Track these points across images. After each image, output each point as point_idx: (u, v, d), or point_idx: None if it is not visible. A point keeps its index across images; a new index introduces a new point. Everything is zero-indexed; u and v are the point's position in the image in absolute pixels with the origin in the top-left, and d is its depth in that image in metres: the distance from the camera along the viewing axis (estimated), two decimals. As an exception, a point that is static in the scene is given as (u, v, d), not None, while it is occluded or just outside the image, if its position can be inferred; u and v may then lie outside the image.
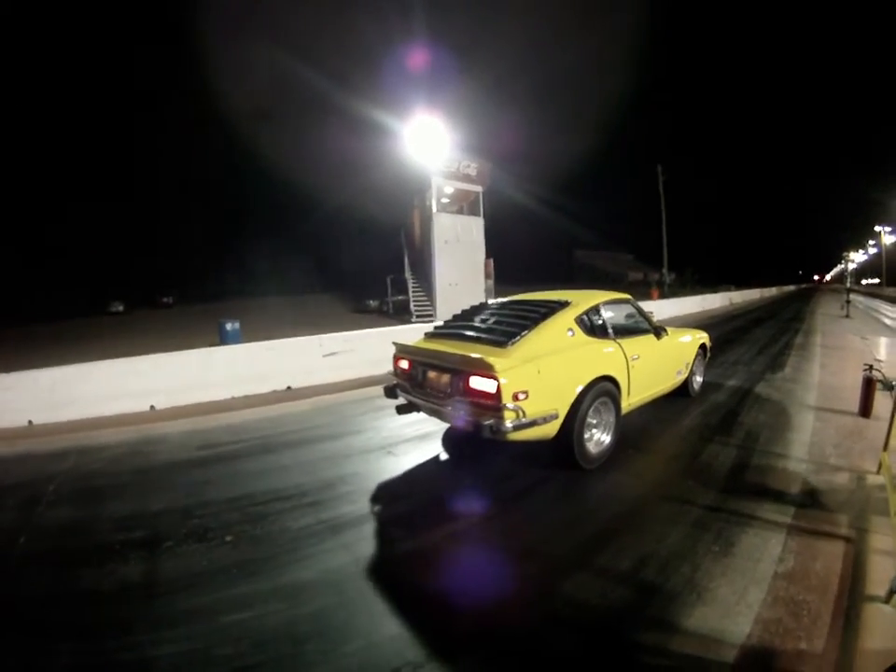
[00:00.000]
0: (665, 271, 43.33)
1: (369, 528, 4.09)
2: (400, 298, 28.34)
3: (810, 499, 4.34)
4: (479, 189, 27.49)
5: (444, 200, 27.80)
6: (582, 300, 5.67)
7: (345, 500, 4.58)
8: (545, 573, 3.47)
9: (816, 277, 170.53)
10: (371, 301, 33.85)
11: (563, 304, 5.49)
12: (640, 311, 6.59)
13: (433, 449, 5.81)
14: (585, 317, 5.42)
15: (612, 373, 5.16)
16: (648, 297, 29.74)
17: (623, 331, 5.91)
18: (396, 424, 6.62)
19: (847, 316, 22.65)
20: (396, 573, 3.52)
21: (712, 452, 5.52)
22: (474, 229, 27.06)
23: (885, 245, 71.60)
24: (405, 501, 4.57)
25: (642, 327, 6.42)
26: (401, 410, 5.63)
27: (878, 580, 3.21)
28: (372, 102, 29.06)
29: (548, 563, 3.58)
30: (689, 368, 7.37)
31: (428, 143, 24.73)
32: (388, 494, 4.76)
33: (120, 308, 51.85)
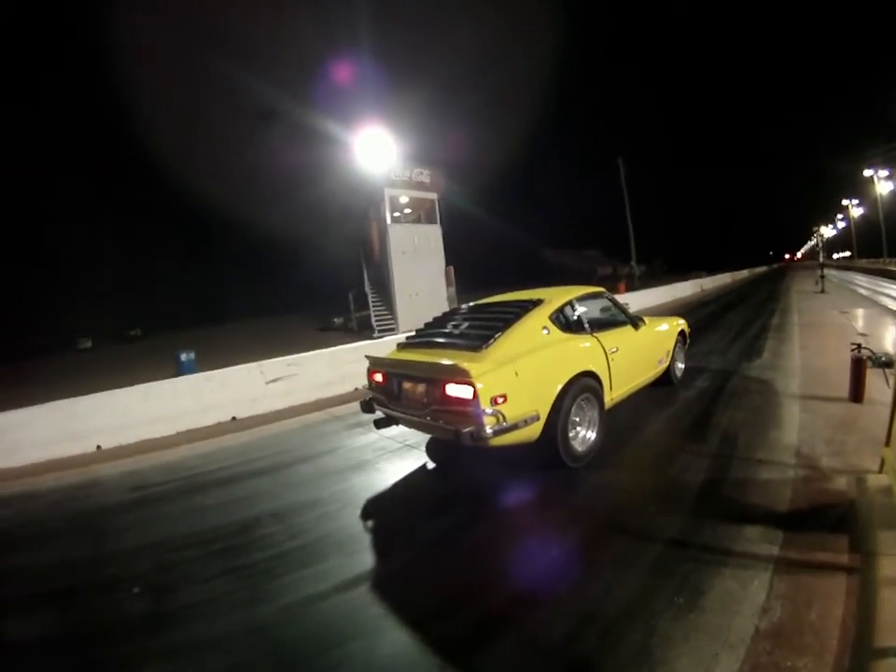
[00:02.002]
0: (633, 263, 43.42)
1: (277, 578, 3.69)
2: (365, 313, 27.50)
3: (802, 519, 3.62)
4: (434, 196, 27.07)
5: (405, 211, 27.85)
6: (555, 296, 5.62)
7: (258, 546, 4.20)
8: (450, 644, 2.79)
9: (787, 256, 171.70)
10: (336, 319, 33.41)
11: (536, 303, 5.44)
12: (616, 303, 6.50)
13: (370, 482, 5.34)
14: (560, 314, 5.39)
15: (592, 368, 5.10)
16: (615, 291, 28.61)
17: (599, 325, 5.83)
18: (334, 454, 6.40)
19: (823, 292, 22.12)
20: (304, 628, 3.09)
21: (681, 464, 4.84)
22: (432, 237, 26.65)
23: (853, 217, 71.88)
24: (324, 547, 4.08)
25: (619, 319, 6.37)
26: (380, 424, 5.50)
27: (891, 624, 2.50)
28: (322, 115, 28.25)
29: (459, 627, 2.95)
30: (670, 356, 7.26)
31: (379, 154, 24.47)
32: (309, 536, 4.29)
33: (89, 344, 52.60)
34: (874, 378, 6.12)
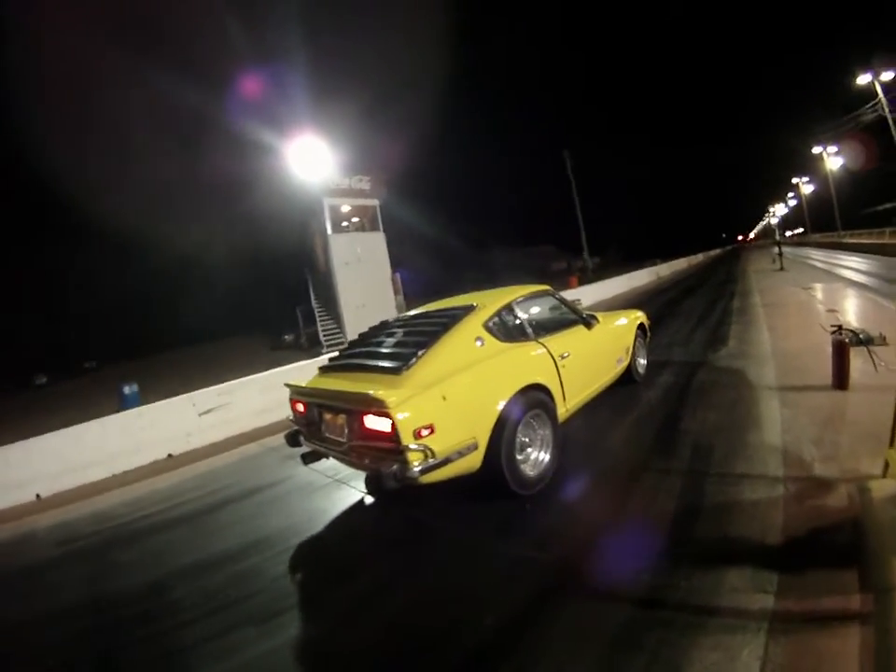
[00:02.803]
0: (585, 255, 43.49)
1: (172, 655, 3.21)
2: (314, 328, 26.29)
3: (798, 551, 2.91)
4: (375, 202, 26.29)
5: (351, 219, 27.20)
6: (491, 301, 5.11)
7: (160, 615, 3.68)
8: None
9: (740, 237, 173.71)
10: (287, 336, 32.30)
11: (467, 310, 4.89)
12: (564, 301, 6.04)
13: (298, 527, 4.75)
14: (496, 320, 4.84)
15: (540, 380, 4.57)
16: (567, 286, 27.95)
17: (546, 328, 5.36)
18: (262, 493, 5.87)
19: (782, 269, 21.83)
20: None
21: (647, 488, 4.08)
22: (376, 245, 25.86)
23: (804, 194, 73.13)
24: (235, 614, 3.50)
25: (569, 319, 5.86)
26: (307, 459, 4.96)
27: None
28: (253, 124, 27.14)
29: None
30: (630, 352, 6.74)
31: (315, 163, 23.70)
32: (219, 601, 3.71)
33: (44, 380, 52.68)
34: (854, 359, 5.50)
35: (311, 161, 23.73)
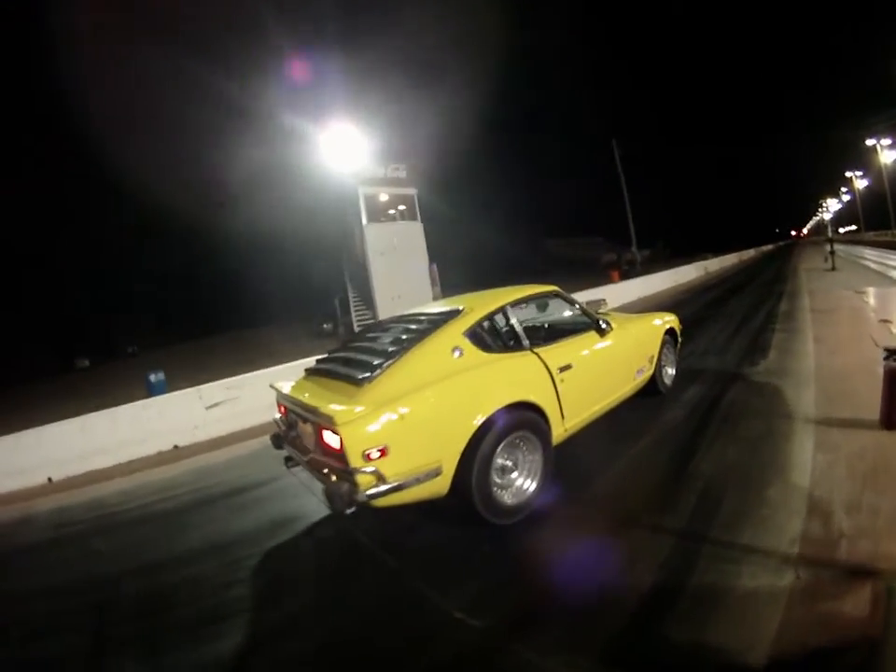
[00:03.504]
0: (634, 249, 42.59)
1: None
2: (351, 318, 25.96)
3: None
4: (412, 191, 25.70)
5: (387, 210, 26.33)
6: (480, 304, 4.59)
7: (118, 608, 3.79)
8: None
9: (793, 233, 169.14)
10: (326, 325, 31.67)
11: (451, 315, 4.40)
12: (574, 304, 5.44)
13: (279, 532, 4.61)
14: (483, 327, 4.44)
15: (529, 397, 4.08)
16: (609, 280, 27.05)
17: (548, 335, 5.24)
18: (254, 492, 5.78)
19: (833, 269, 20.49)
20: None
21: (625, 553, 3.38)
22: (413, 235, 25.28)
23: (858, 189, 70.28)
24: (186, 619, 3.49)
25: (579, 324, 5.37)
26: (288, 463, 4.62)
27: None
28: (290, 113, 26.91)
29: None
30: (654, 361, 6.08)
31: (349, 152, 23.29)
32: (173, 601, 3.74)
33: (87, 363, 54.49)
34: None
35: (345, 149, 23.33)
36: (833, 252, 22.43)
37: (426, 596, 3.21)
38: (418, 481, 3.43)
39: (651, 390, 6.09)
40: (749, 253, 58.87)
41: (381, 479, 3.27)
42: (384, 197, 25.50)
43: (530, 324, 5.60)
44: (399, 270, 24.16)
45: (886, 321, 8.60)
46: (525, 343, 4.48)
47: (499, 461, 3.88)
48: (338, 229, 27.47)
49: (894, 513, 3.25)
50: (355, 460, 3.24)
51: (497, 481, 3.85)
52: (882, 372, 4.54)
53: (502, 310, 4.60)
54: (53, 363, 52.73)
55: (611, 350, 5.26)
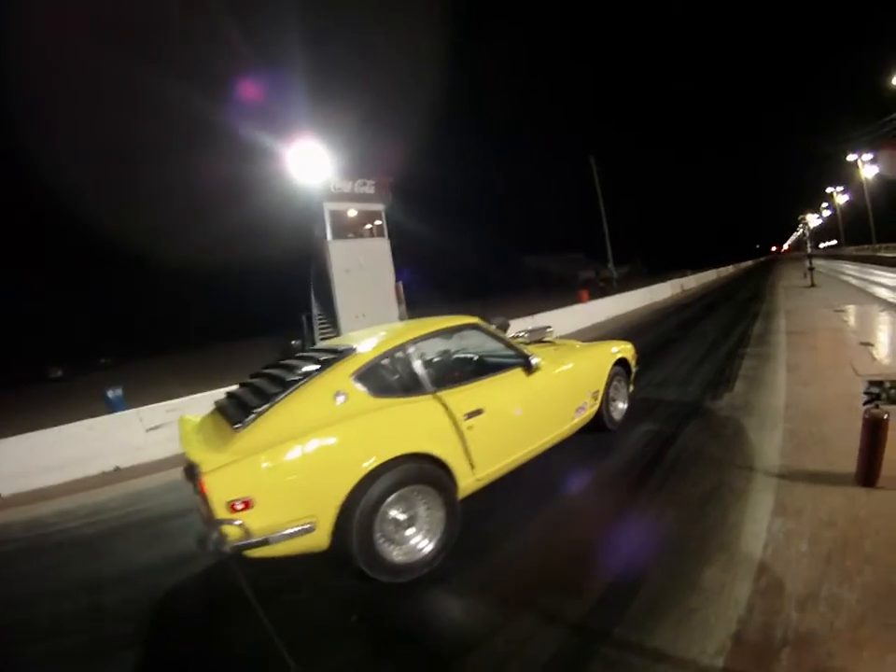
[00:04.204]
0: (610, 265, 42.15)
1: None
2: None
3: None
4: (380, 207, 25.11)
5: (357, 225, 25.92)
6: (377, 342, 4.23)
7: None
8: None
9: (773, 248, 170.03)
10: (294, 342, 30.91)
11: (341, 355, 4.01)
12: (498, 337, 4.96)
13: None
14: (375, 369, 4.01)
15: (426, 448, 3.69)
16: (577, 300, 26.19)
17: (459, 376, 4.71)
18: (175, 521, 5.55)
19: (813, 286, 20.00)
20: None
21: (502, 649, 2.78)
22: (380, 252, 24.69)
23: (839, 205, 70.60)
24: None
25: (502, 361, 4.94)
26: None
27: None
28: (253, 128, 26.47)
29: None
30: (600, 397, 5.62)
31: (314, 166, 22.84)
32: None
33: (59, 374, 54.21)
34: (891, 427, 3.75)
35: (310, 164, 22.87)
36: (812, 268, 21.96)
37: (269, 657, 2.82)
38: (289, 536, 3.18)
39: (596, 427, 5.64)
40: (728, 270, 58.87)
41: (247, 532, 3.03)
42: (350, 213, 24.95)
43: (449, 361, 5.37)
44: (363, 288, 23.57)
45: (867, 344, 7.88)
46: (427, 385, 4.05)
47: (393, 513, 3.59)
48: (305, 244, 27.02)
49: (859, 610, 2.50)
50: (219, 510, 3.03)
51: (389, 535, 3.56)
52: (861, 413, 3.77)
53: (401, 349, 4.20)
54: (28, 372, 53.06)
55: (540, 388, 4.79)
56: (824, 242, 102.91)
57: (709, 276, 44.61)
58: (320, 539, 3.34)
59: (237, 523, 3.03)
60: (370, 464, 3.44)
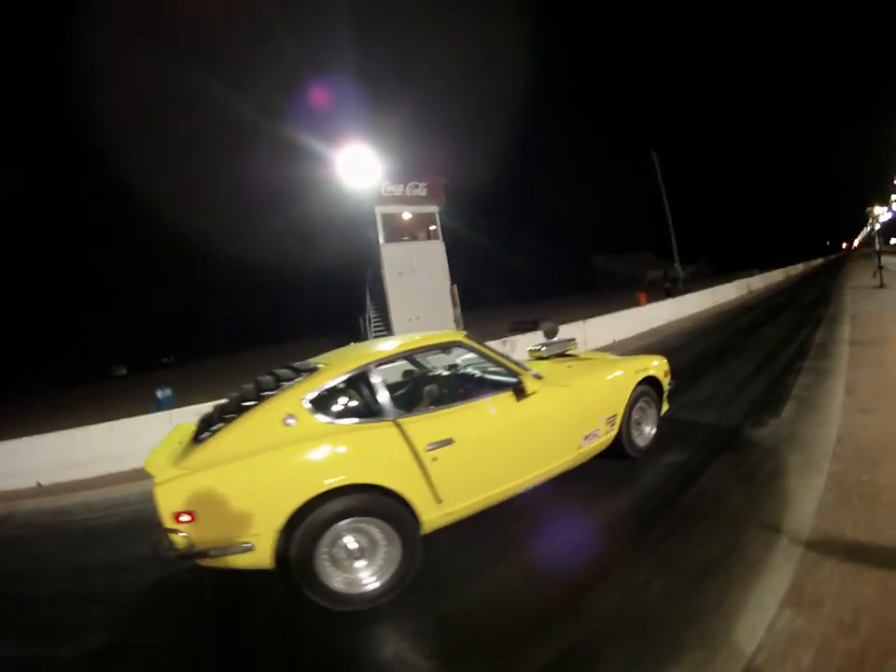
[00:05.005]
0: (676, 265, 40.78)
1: None
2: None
3: None
4: (433, 209, 25.08)
5: (411, 228, 25.84)
6: (339, 363, 4.08)
7: None
8: None
9: (844, 245, 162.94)
10: (354, 343, 30.87)
11: (299, 375, 3.97)
12: (490, 356, 4.56)
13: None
14: (329, 392, 3.86)
15: (376, 479, 3.53)
16: (635, 303, 25.15)
17: (443, 397, 4.46)
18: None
19: (882, 286, 18.73)
20: None
21: None
22: (434, 255, 24.69)
23: (908, 198, 65.04)
24: None
25: (495, 381, 4.65)
26: None
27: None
28: (306, 134, 26.56)
29: None
30: (617, 423, 5.07)
31: (364, 171, 23.00)
32: None
33: (124, 371, 56.28)
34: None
35: (361, 168, 22.98)
36: (881, 266, 20.63)
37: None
38: (229, 552, 3.26)
39: (615, 454, 5.16)
40: (798, 268, 56.16)
41: (191, 543, 3.18)
42: (405, 216, 24.98)
43: (431, 382, 4.96)
44: (417, 290, 23.59)
45: None
46: (387, 411, 3.83)
47: (345, 540, 3.50)
48: (358, 247, 26.94)
49: None
50: (166, 520, 3.19)
51: (336, 561, 3.49)
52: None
53: (364, 370, 3.98)
54: (96, 369, 54.85)
55: (534, 415, 4.36)
56: (895, 237, 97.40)
57: (776, 276, 42.58)
58: (261, 558, 3.35)
59: (182, 534, 3.17)
60: (309, 493, 3.37)
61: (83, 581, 4.65)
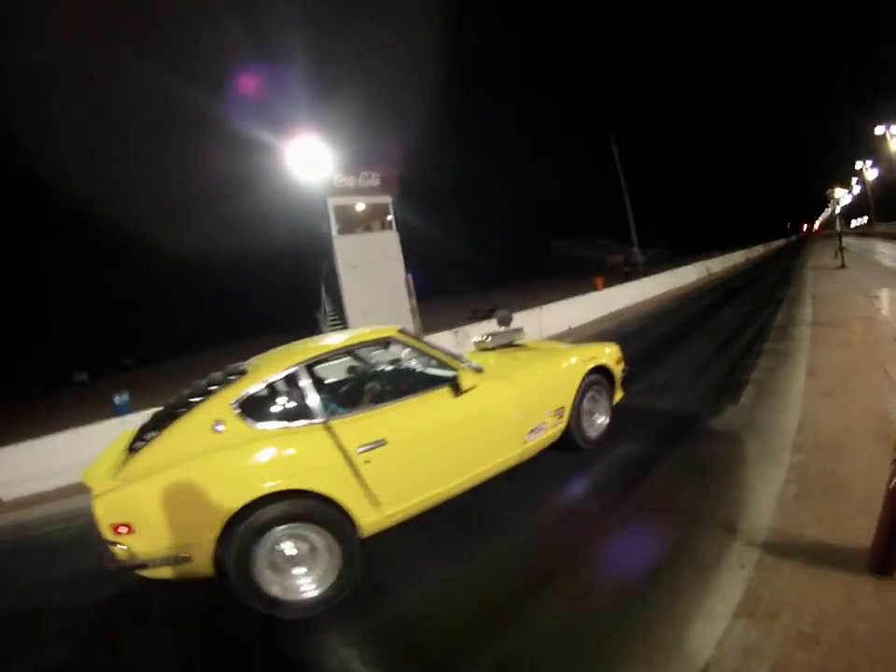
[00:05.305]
0: (635, 249, 40.88)
1: None
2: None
3: None
4: (387, 199, 24.54)
5: (363, 219, 25.69)
6: (267, 365, 3.92)
7: None
8: None
9: (805, 227, 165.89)
10: (309, 339, 30.55)
11: (228, 379, 3.84)
12: (425, 351, 4.43)
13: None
14: (259, 395, 3.71)
15: (306, 485, 3.40)
16: (592, 287, 24.94)
17: (366, 398, 4.09)
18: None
19: (843, 266, 18.60)
20: None
21: None
22: (388, 245, 24.22)
23: (868, 181, 66.74)
24: None
25: (432, 377, 4.44)
26: None
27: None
28: (254, 125, 25.91)
29: None
30: (566, 415, 4.91)
31: (315, 162, 22.44)
32: None
33: (84, 377, 55.83)
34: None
35: (311, 159, 22.43)
36: (842, 248, 20.53)
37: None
38: (167, 562, 3.22)
39: (567, 445, 5.00)
40: (759, 250, 56.83)
41: (131, 554, 3.17)
42: (359, 207, 24.47)
43: (365, 381, 4.63)
44: (372, 283, 23.13)
45: None
46: (318, 412, 3.68)
47: (283, 546, 3.37)
48: (310, 241, 26.57)
49: None
50: (105, 531, 3.18)
51: (276, 568, 3.37)
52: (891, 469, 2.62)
53: (291, 371, 3.80)
54: (55, 375, 54.78)
55: (472, 411, 4.19)
56: (855, 219, 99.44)
57: (738, 258, 42.92)
58: (201, 567, 3.28)
59: (121, 545, 3.14)
60: (239, 501, 3.24)
61: (40, 597, 4.52)
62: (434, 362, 4.48)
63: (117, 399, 14.28)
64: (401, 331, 4.42)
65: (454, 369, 4.27)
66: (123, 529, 3.16)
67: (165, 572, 3.26)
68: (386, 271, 23.75)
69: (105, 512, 3.18)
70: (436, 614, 3.16)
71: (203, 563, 3.28)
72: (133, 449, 3.58)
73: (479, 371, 4.41)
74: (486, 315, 17.77)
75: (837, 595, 2.53)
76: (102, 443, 8.35)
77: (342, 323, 23.70)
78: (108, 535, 3.17)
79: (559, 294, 19.89)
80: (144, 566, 3.22)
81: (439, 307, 26.31)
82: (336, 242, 22.70)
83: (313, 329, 27.21)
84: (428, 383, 4.30)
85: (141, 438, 3.68)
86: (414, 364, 4.85)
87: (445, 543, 3.95)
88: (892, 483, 2.54)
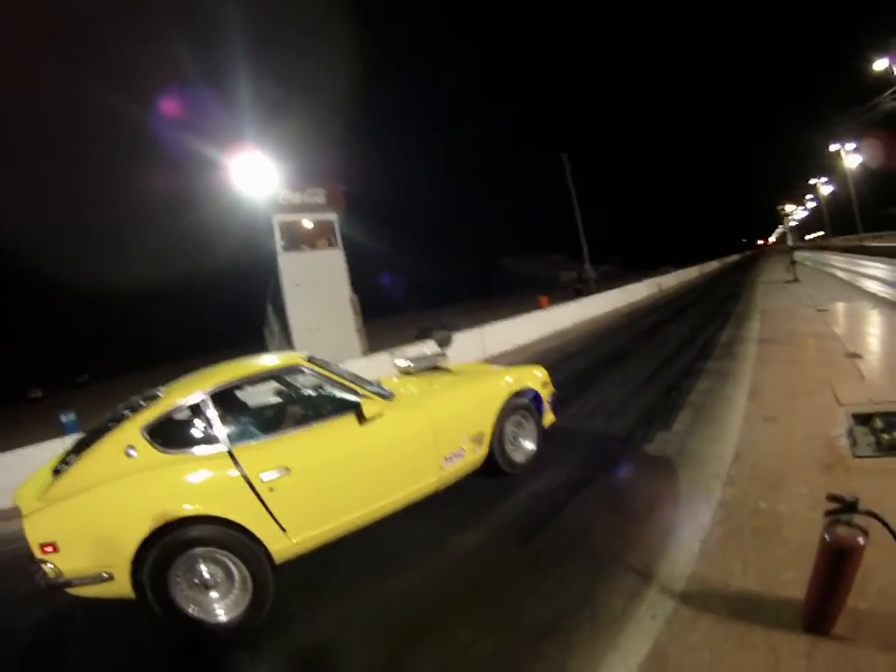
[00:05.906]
0: (587, 266, 40.92)
1: None
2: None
3: None
4: (332, 217, 24.13)
5: (310, 237, 24.85)
6: (176, 391, 4.01)
7: None
8: None
9: (760, 242, 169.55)
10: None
11: (141, 404, 3.95)
12: (332, 378, 4.36)
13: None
14: (168, 421, 3.79)
15: (212, 511, 3.48)
16: (538, 306, 24.72)
17: (268, 425, 4.25)
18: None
19: (796, 280, 18.61)
20: None
21: None
22: (334, 263, 23.73)
23: (822, 196, 69.27)
24: None
25: (339, 404, 4.31)
26: None
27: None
28: (196, 140, 25.30)
29: None
30: (485, 441, 4.81)
31: (260, 178, 21.99)
32: None
33: (39, 394, 55.64)
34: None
35: (256, 175, 22.03)
36: (794, 262, 20.71)
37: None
38: (90, 580, 3.32)
39: (491, 470, 4.92)
40: (713, 265, 57.88)
41: (58, 573, 3.24)
42: (306, 224, 24.13)
43: (272, 407, 4.95)
44: (317, 300, 22.67)
45: (854, 355, 6.46)
46: (222, 440, 3.73)
47: (200, 569, 3.44)
48: (255, 258, 25.89)
49: None
50: (35, 550, 3.25)
51: (191, 592, 3.44)
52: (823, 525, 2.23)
53: (198, 398, 3.87)
54: (11, 392, 54.84)
55: (379, 438, 4.17)
56: (811, 234, 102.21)
57: (691, 273, 43.50)
58: (121, 587, 3.35)
59: (49, 564, 3.22)
60: (147, 525, 3.33)
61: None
62: (338, 390, 4.39)
63: (63, 418, 14.20)
64: (309, 359, 4.41)
65: (359, 396, 4.21)
66: (49, 549, 3.26)
67: (93, 591, 3.37)
68: (332, 289, 23.42)
69: (33, 531, 3.28)
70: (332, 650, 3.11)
71: (123, 583, 3.34)
72: (56, 472, 3.65)
73: (387, 397, 4.37)
74: (424, 336, 17.41)
75: (760, 657, 2.19)
76: (44, 463, 8.11)
77: (286, 341, 23.10)
78: (38, 553, 3.25)
79: (506, 312, 19.69)
80: (70, 584, 3.30)
81: (387, 326, 26.05)
82: (281, 259, 22.26)
83: (262, 345, 26.82)
84: (337, 410, 4.25)
85: (65, 461, 3.75)
86: (328, 390, 4.65)
87: (345, 573, 3.94)
88: (825, 535, 2.15)
